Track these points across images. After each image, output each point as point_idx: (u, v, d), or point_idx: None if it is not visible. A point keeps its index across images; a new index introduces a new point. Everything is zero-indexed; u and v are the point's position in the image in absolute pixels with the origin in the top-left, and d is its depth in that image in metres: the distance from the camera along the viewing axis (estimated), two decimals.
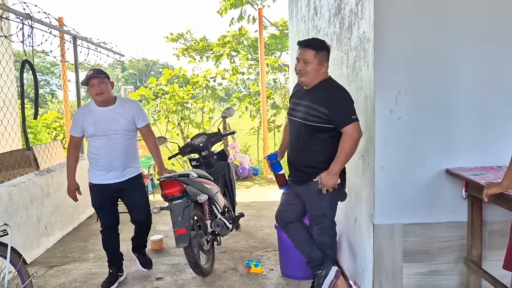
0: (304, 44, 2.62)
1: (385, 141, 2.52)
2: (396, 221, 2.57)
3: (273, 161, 2.88)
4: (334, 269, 2.79)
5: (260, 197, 6.24)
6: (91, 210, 5.32)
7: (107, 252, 3.39)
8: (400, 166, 2.54)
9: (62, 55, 5.97)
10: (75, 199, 3.36)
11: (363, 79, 2.70)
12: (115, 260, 3.40)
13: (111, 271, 3.37)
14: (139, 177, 3.41)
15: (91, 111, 3.24)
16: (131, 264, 3.67)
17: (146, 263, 3.58)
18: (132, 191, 3.33)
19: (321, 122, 2.57)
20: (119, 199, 3.42)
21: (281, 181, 2.88)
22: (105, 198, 3.29)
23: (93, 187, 3.30)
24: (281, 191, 2.98)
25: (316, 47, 2.59)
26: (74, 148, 3.30)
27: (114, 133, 3.20)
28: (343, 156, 2.53)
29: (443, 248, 2.60)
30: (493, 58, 2.50)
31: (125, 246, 3.60)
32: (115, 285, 3.32)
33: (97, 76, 3.17)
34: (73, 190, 3.33)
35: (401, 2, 2.44)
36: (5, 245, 2.53)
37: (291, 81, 7.01)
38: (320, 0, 3.90)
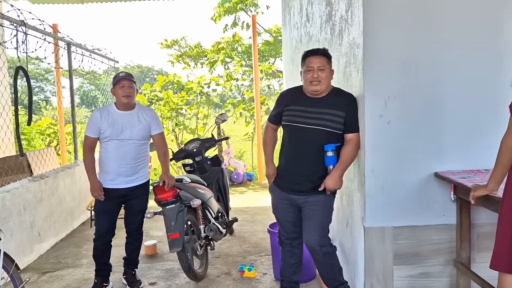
0: (319, 53, 2.70)
1: (374, 145, 2.55)
2: (387, 224, 2.60)
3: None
4: None
5: (254, 202, 6.26)
6: (85, 216, 5.32)
7: (96, 262, 3.35)
8: (390, 170, 2.57)
9: (56, 61, 5.99)
10: (101, 197, 3.22)
11: (353, 84, 2.74)
12: (102, 271, 3.36)
13: (96, 281, 3.34)
14: (147, 184, 3.40)
15: (110, 113, 3.22)
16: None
17: (134, 282, 3.43)
18: (138, 197, 3.32)
19: (340, 129, 2.66)
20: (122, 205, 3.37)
21: None
22: (110, 202, 3.24)
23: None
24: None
25: (327, 55, 2.71)
26: (90, 149, 3.24)
27: (128, 138, 3.20)
28: (350, 160, 2.68)
29: (433, 251, 2.63)
30: (479, 65, 2.53)
31: (118, 252, 3.60)
32: None
33: (129, 79, 3.20)
34: (97, 189, 3.21)
35: (390, 10, 2.49)
36: None
37: (285, 87, 7.06)
38: (312, 7, 3.96)
